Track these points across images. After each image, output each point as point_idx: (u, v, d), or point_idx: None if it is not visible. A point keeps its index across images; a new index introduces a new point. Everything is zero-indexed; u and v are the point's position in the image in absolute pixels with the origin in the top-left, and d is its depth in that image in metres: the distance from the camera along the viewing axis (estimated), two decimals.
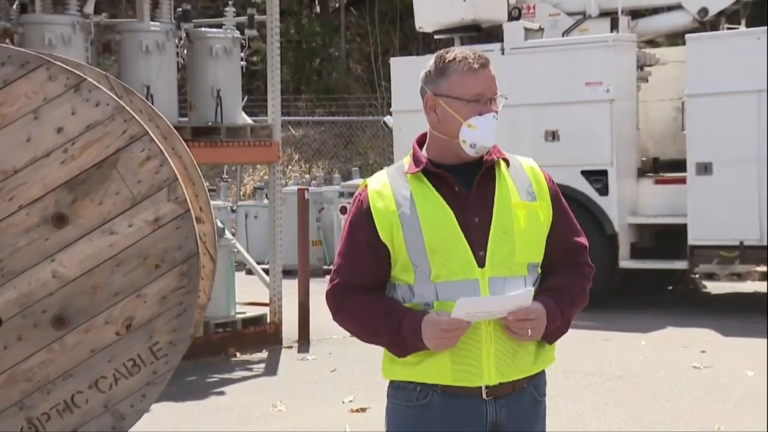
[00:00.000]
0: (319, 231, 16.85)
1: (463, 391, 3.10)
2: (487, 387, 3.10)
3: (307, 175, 21.51)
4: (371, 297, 3.13)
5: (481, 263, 3.07)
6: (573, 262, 3.26)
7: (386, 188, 3.15)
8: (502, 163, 3.17)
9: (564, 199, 3.31)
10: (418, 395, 3.13)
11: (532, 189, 3.18)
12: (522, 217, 3.12)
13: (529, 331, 3.07)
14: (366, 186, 3.20)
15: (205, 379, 8.87)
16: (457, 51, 3.15)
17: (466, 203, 3.10)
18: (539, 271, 3.21)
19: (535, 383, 3.22)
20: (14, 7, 9.63)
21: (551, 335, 3.19)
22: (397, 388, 3.19)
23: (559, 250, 3.22)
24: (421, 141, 3.24)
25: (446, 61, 3.13)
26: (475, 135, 3.10)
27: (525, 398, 3.18)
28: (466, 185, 3.11)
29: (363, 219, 3.14)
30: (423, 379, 3.12)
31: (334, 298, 3.18)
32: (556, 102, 12.08)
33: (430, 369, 3.09)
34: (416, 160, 3.17)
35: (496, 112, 3.14)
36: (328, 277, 3.31)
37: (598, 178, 11.93)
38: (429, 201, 3.10)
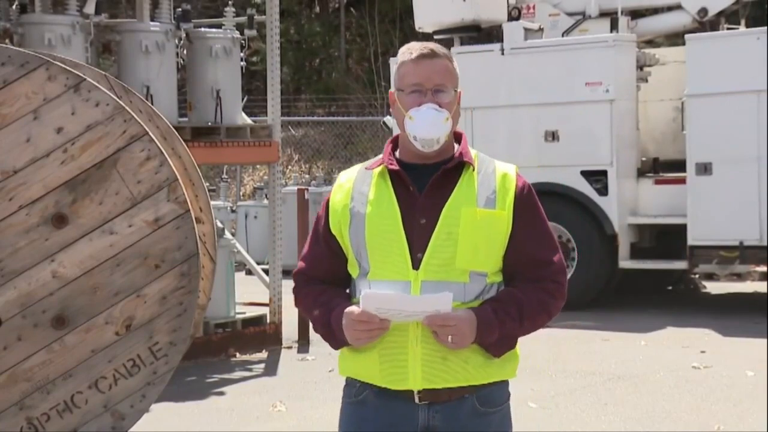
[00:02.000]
0: None
1: (395, 393, 3.05)
2: (419, 392, 3.02)
3: (307, 175, 21.51)
4: (320, 288, 3.14)
5: (416, 265, 2.99)
6: (536, 277, 3.07)
7: (348, 182, 3.14)
8: (471, 167, 3.07)
9: (542, 212, 3.12)
10: (356, 391, 3.14)
11: (493, 197, 3.04)
12: (470, 223, 2.99)
13: (449, 338, 2.94)
14: (338, 178, 3.22)
15: (205, 380, 8.87)
16: (412, 43, 3.11)
17: (415, 203, 3.03)
18: (492, 281, 3.06)
19: (481, 394, 3.07)
20: (14, 7, 9.63)
21: (493, 347, 3.03)
22: (345, 385, 3.21)
23: (520, 263, 3.07)
24: (395, 141, 3.21)
25: (399, 54, 3.12)
26: (414, 126, 3.02)
27: (464, 408, 3.06)
28: (420, 185, 3.04)
29: (323, 212, 3.17)
30: (359, 376, 3.12)
31: (295, 285, 3.24)
32: (556, 102, 12.08)
33: (363, 368, 3.09)
34: (384, 156, 3.14)
35: (439, 104, 3.02)
36: None
37: (597, 178, 11.93)
38: (381, 198, 3.06)
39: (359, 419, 3.13)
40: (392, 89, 3.13)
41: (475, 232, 3.01)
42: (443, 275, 2.99)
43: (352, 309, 2.99)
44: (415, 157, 3.08)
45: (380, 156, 3.17)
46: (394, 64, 13.73)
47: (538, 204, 3.12)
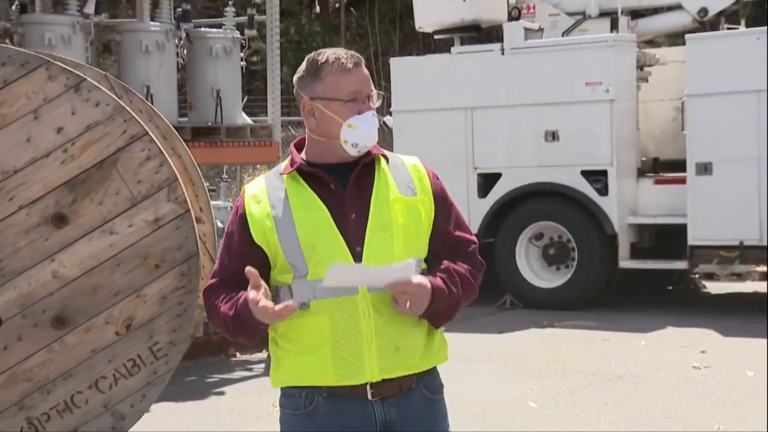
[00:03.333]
0: None
1: (348, 392, 3.06)
2: (372, 387, 3.05)
3: None
4: (225, 294, 3.12)
5: (357, 259, 3.04)
6: (460, 254, 3.19)
7: (262, 192, 3.13)
8: (382, 160, 3.15)
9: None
10: (304, 402, 3.10)
11: (412, 184, 3.15)
12: (400, 212, 3.09)
13: (408, 303, 3.00)
14: (244, 192, 3.18)
15: (205, 380, 8.87)
16: (329, 52, 3.12)
17: (342, 200, 3.08)
18: (424, 266, 3.15)
19: (426, 382, 3.15)
20: (14, 7, 9.63)
21: (436, 315, 3.10)
22: (284, 396, 3.15)
23: (442, 244, 3.17)
24: (298, 145, 3.22)
25: (319, 63, 3.10)
26: (356, 134, 3.08)
27: (415, 398, 3.12)
28: (342, 183, 3.09)
29: (239, 225, 3.14)
30: (307, 382, 3.08)
31: (205, 301, 3.20)
32: (556, 102, 12.08)
33: (313, 370, 3.06)
34: (292, 161, 3.15)
35: (375, 109, 3.12)
36: None
37: (597, 178, 11.93)
38: (304, 201, 3.08)
39: (313, 429, 3.09)
40: (305, 97, 3.12)
41: (405, 219, 3.10)
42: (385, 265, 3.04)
43: (267, 305, 2.95)
44: (334, 159, 3.12)
45: (284, 163, 3.20)
46: (396, 63, 13.57)
47: (447, 189, 3.26)
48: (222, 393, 8.38)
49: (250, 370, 9.28)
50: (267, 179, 3.17)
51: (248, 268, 3.00)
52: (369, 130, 3.09)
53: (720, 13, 12.71)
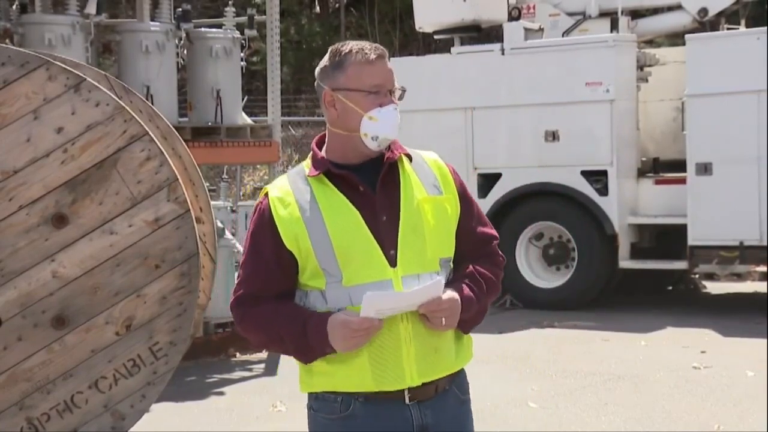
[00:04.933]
0: None
1: (386, 396, 3.01)
2: (409, 391, 3.02)
3: None
4: (274, 304, 3.03)
5: (392, 262, 2.99)
6: (484, 253, 3.18)
7: (288, 195, 3.05)
8: (405, 159, 3.11)
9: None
10: (340, 406, 3.04)
11: (437, 182, 3.11)
12: (430, 213, 3.06)
13: (443, 320, 2.99)
14: (266, 194, 3.08)
15: (205, 380, 8.87)
16: (353, 43, 3.07)
17: (372, 202, 3.02)
18: (452, 265, 3.13)
19: (458, 383, 3.14)
20: (14, 7, 9.63)
21: (466, 323, 3.10)
22: (317, 400, 3.09)
23: (468, 242, 3.15)
24: (319, 142, 3.16)
25: (342, 54, 3.05)
26: (377, 127, 3.03)
27: (449, 400, 3.10)
28: (370, 184, 3.03)
29: (266, 229, 3.04)
30: (344, 388, 3.03)
31: (236, 309, 3.10)
32: (556, 102, 12.08)
33: (351, 377, 3.01)
34: (316, 162, 3.08)
35: (396, 104, 3.07)
36: None
37: (598, 178, 11.93)
38: (333, 204, 3.02)
39: None
40: (326, 88, 3.06)
41: (435, 219, 3.06)
42: (419, 268, 3.02)
43: (348, 318, 2.91)
44: (356, 156, 3.07)
45: (306, 163, 3.13)
46: (396, 63, 13.73)
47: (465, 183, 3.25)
48: (222, 393, 8.38)
49: (250, 370, 9.28)
50: (291, 180, 3.09)
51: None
52: (390, 123, 3.04)
53: (720, 14, 12.71)
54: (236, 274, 3.26)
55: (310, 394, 3.12)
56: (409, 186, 3.07)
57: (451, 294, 3.01)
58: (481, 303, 3.11)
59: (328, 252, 2.99)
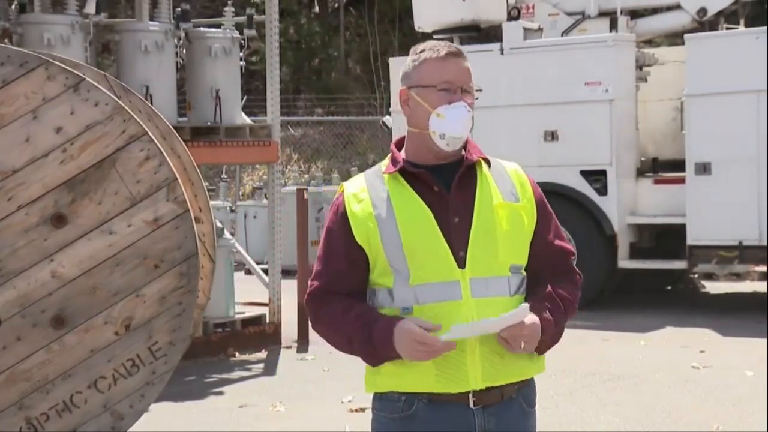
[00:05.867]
0: (318, 231, 16.83)
1: (450, 398, 2.99)
2: (474, 395, 3.00)
3: (306, 175, 21.50)
4: (345, 303, 3.03)
5: (461, 264, 2.98)
6: (561, 269, 3.17)
7: (363, 192, 3.06)
8: (483, 164, 3.10)
9: (549, 203, 3.21)
10: (403, 406, 3.02)
11: (515, 190, 3.10)
12: (504, 218, 3.03)
13: (522, 344, 2.97)
14: (343, 190, 3.10)
15: (204, 379, 8.87)
16: (431, 43, 3.08)
17: (446, 203, 3.01)
18: (523, 273, 3.10)
19: (525, 392, 3.11)
20: (13, 7, 9.63)
21: (543, 345, 3.07)
22: (381, 400, 3.08)
23: (545, 254, 3.13)
24: (399, 143, 3.16)
25: (418, 51, 3.07)
26: (444, 124, 3.00)
27: (514, 408, 3.07)
28: (445, 185, 3.03)
29: (340, 224, 3.05)
30: (407, 388, 3.02)
31: (311, 305, 3.10)
32: (556, 102, 12.07)
33: (414, 377, 2.99)
34: (393, 160, 3.10)
35: (468, 103, 3.04)
36: None
37: (597, 178, 11.93)
38: (407, 202, 3.02)
39: None
40: (403, 86, 3.08)
41: (509, 225, 3.04)
42: (488, 271, 3.00)
43: (413, 328, 2.90)
44: (430, 156, 3.06)
45: (383, 161, 3.14)
46: (395, 63, 13.56)
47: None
48: (221, 393, 8.38)
49: (250, 370, 9.28)
50: (367, 178, 3.10)
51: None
52: (457, 120, 3.00)
53: (719, 13, 12.71)
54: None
55: (375, 395, 3.11)
56: (486, 190, 3.05)
57: (533, 319, 2.98)
58: (558, 326, 3.08)
59: (397, 249, 2.99)
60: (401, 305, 2.98)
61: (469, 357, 2.98)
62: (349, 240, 3.04)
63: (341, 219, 3.06)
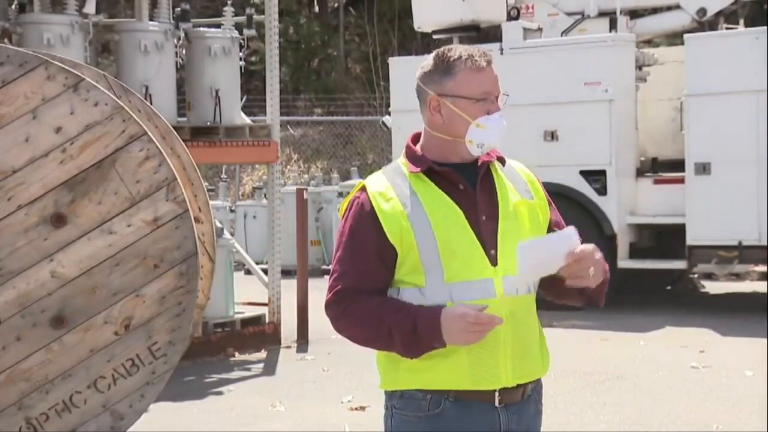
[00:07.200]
0: (317, 231, 16.86)
1: (477, 397, 2.99)
2: (500, 393, 2.99)
3: (306, 175, 21.51)
4: (379, 299, 2.99)
5: (493, 262, 2.98)
6: None
7: (389, 190, 3.02)
8: (497, 163, 3.11)
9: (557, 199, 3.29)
10: (429, 404, 3.00)
11: (528, 188, 3.13)
12: (526, 215, 3.07)
13: (591, 269, 2.93)
14: (364, 188, 3.04)
15: (204, 379, 8.87)
16: (461, 49, 3.04)
17: (474, 201, 3.01)
18: None
19: (537, 390, 3.13)
20: (13, 6, 9.63)
21: (601, 287, 3.08)
22: (402, 398, 3.03)
23: None
24: (414, 140, 3.14)
25: (451, 59, 3.02)
26: (484, 135, 3.01)
27: (530, 406, 3.10)
28: (470, 183, 3.03)
29: (367, 222, 2.99)
30: (436, 385, 2.99)
31: (336, 305, 3.03)
32: (555, 102, 12.08)
33: (446, 373, 2.97)
34: (415, 158, 3.07)
35: (501, 110, 3.06)
36: (327, 276, 3.19)
37: (596, 178, 11.93)
38: (436, 200, 3.00)
39: None
40: (432, 93, 3.04)
41: (530, 223, 3.08)
42: (515, 269, 2.98)
43: (466, 311, 2.87)
44: (456, 159, 3.06)
45: (400, 159, 3.11)
46: (395, 63, 13.52)
47: None
48: (221, 393, 8.38)
49: (249, 369, 9.28)
50: (388, 176, 3.07)
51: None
52: (497, 131, 3.02)
53: (719, 13, 12.72)
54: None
55: (393, 392, 3.06)
56: (504, 188, 3.08)
57: (589, 245, 2.95)
58: (605, 272, 3.04)
59: (431, 247, 2.97)
60: (434, 303, 2.95)
61: (502, 354, 2.98)
62: (380, 239, 2.99)
63: (369, 217, 3.01)
